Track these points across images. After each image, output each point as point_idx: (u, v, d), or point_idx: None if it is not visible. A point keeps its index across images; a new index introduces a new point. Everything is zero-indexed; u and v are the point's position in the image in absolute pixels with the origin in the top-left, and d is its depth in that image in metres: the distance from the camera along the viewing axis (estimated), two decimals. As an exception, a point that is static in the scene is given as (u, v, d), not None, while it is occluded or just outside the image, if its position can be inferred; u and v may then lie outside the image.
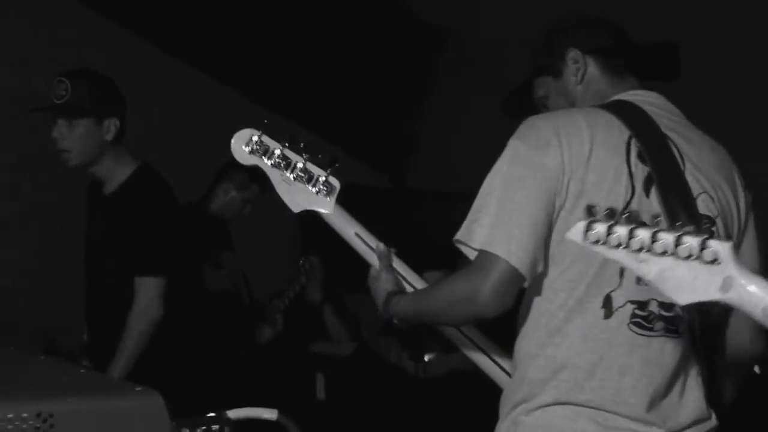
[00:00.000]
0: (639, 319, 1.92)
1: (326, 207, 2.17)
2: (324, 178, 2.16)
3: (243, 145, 2.17)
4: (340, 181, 2.16)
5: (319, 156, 2.19)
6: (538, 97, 2.24)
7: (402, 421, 4.01)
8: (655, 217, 1.16)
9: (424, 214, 6.77)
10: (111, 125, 3.32)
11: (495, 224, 1.91)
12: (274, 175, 2.17)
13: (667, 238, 1.14)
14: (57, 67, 3.46)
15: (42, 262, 5.32)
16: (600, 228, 1.16)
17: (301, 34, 6.08)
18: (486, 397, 2.17)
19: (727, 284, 1.15)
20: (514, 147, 1.97)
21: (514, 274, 1.89)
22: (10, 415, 1.19)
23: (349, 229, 2.19)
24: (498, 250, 1.89)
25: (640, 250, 1.15)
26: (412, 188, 7.05)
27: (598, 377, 1.92)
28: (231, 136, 3.58)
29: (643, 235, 1.15)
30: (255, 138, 2.16)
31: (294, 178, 2.15)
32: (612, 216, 1.17)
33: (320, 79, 6.32)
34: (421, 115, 6.68)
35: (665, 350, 1.94)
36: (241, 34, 6.04)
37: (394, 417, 4.01)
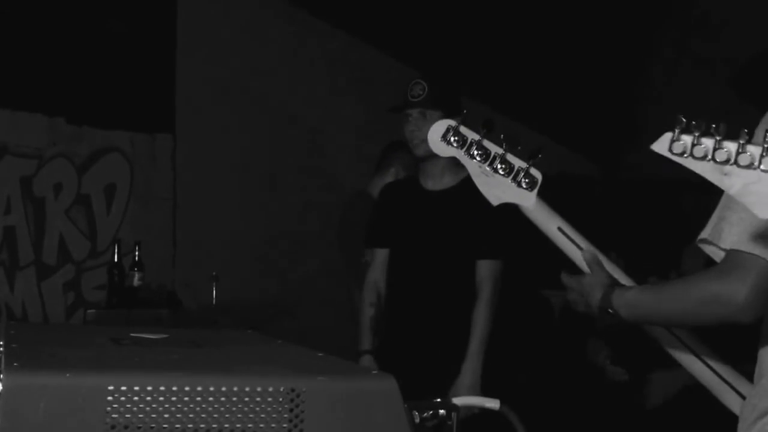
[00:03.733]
0: None
1: (527, 200, 2.07)
2: (525, 170, 2.05)
3: (440, 137, 2.08)
4: (543, 173, 2.07)
5: (519, 147, 2.09)
6: None
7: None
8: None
9: (641, 205, 6.55)
10: None
11: (748, 221, 1.78)
12: (473, 167, 2.08)
13: (753, 150, 1.12)
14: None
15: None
16: (687, 139, 1.15)
17: (505, 13, 5.95)
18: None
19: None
20: None
21: None
22: (270, 389, 1.33)
23: (552, 224, 2.08)
24: (756, 249, 1.77)
25: (725, 162, 1.13)
26: (627, 178, 6.81)
27: None
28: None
29: (729, 146, 1.13)
30: (452, 128, 2.07)
31: (493, 170, 2.06)
32: (700, 127, 1.15)
33: (526, 61, 6.17)
34: (639, 98, 6.40)
35: None
36: (442, 20, 6.00)
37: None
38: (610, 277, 2.04)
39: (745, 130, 1.14)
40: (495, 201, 2.08)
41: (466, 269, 3.61)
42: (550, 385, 4.31)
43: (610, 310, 1.97)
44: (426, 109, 3.54)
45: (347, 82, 6.45)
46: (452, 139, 2.06)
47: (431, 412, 1.70)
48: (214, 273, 4.15)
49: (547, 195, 2.08)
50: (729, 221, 1.82)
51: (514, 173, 2.05)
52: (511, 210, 2.11)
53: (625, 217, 6.44)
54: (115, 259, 5.06)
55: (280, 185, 6.32)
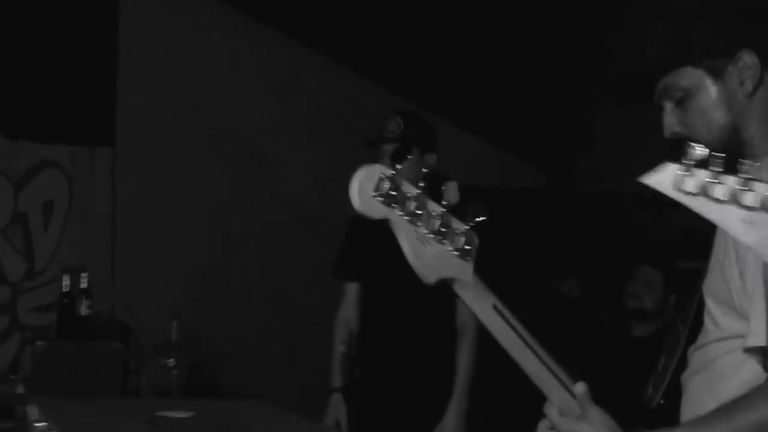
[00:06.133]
0: None
1: (466, 273, 1.61)
2: (466, 235, 1.60)
3: (371, 189, 1.53)
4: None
5: (458, 203, 1.63)
6: (676, 87, 1.83)
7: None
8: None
9: (595, 218, 6.41)
10: (431, 160, 3.61)
11: None
12: (409, 232, 1.56)
13: (788, 195, 0.92)
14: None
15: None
16: (701, 175, 0.95)
17: (447, 13, 5.70)
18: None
19: None
20: None
21: None
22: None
23: (487, 301, 1.65)
24: None
25: (751, 207, 0.93)
26: (580, 190, 6.59)
27: None
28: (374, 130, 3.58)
29: (760, 188, 0.93)
30: (387, 179, 1.53)
31: (433, 235, 1.57)
32: (719, 161, 0.95)
33: (469, 62, 5.91)
34: (591, 103, 6.15)
35: None
36: (380, 21, 5.80)
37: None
38: (608, 417, 1.68)
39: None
40: (431, 278, 1.59)
41: (443, 305, 3.49)
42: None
43: None
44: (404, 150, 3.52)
45: (298, 94, 6.22)
46: (386, 193, 1.52)
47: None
48: (175, 309, 4.03)
49: (491, 210, 1.62)
50: None
51: (453, 238, 1.59)
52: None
53: (575, 232, 6.30)
54: (66, 288, 4.85)
55: (227, 203, 6.07)
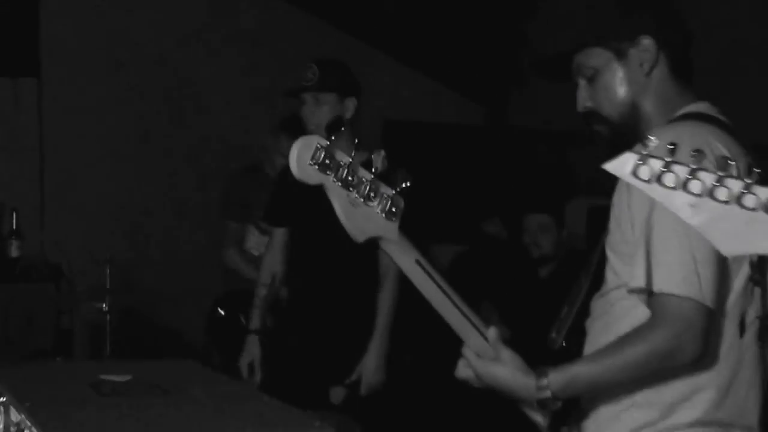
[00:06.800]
0: (763, 333, 1.90)
1: (392, 233, 1.82)
2: (392, 198, 1.80)
3: (308, 159, 1.73)
4: (405, 201, 1.81)
5: (387, 170, 1.81)
6: (587, 66, 2.03)
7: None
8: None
9: (526, 154, 6.48)
10: (350, 104, 3.63)
11: (680, 264, 1.80)
12: (341, 197, 1.76)
13: (733, 185, 1.01)
14: None
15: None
16: (655, 164, 1.03)
17: None
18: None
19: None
20: None
21: (711, 314, 1.82)
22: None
23: (410, 257, 1.86)
24: (691, 293, 1.79)
25: (699, 194, 1.01)
26: (514, 125, 6.66)
27: (732, 395, 1.93)
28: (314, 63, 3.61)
29: (705, 178, 1.02)
30: (322, 149, 1.73)
31: (363, 198, 1.77)
32: (673, 152, 1.03)
33: None
34: (525, 40, 6.18)
35: (766, 358, 1.96)
36: None
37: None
38: (521, 361, 1.91)
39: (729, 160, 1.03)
40: (360, 237, 1.79)
41: (366, 252, 3.57)
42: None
43: (550, 397, 1.87)
44: (318, 92, 3.60)
45: (232, 26, 6.14)
46: (322, 161, 1.73)
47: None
48: (108, 255, 4.00)
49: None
50: (661, 265, 1.81)
51: (381, 202, 1.78)
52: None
53: (511, 167, 6.39)
54: None
55: (153, 138, 5.98)
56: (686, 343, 1.79)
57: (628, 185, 1.76)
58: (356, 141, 1.84)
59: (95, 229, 5.68)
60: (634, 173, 1.05)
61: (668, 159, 1.01)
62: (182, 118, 6.01)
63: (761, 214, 1.00)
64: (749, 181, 1.01)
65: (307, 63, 3.68)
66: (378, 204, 1.78)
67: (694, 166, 1.01)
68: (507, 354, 1.90)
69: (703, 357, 1.84)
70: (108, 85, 5.86)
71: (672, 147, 1.03)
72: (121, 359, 3.09)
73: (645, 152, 1.03)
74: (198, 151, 5.98)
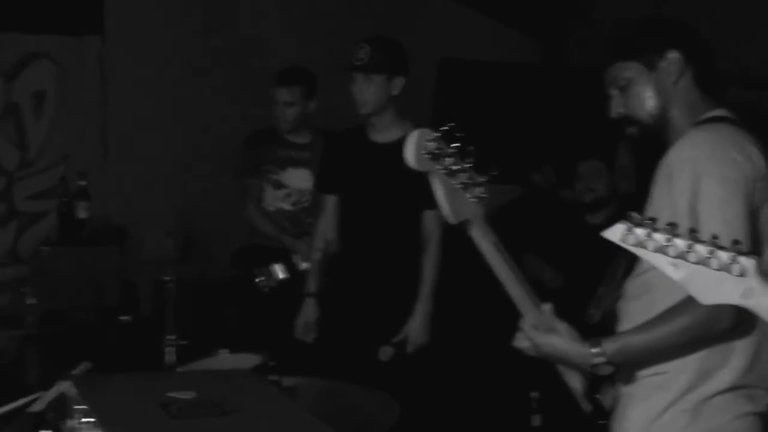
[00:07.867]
0: None
1: (478, 217, 2.10)
2: (481, 185, 2.08)
3: (422, 149, 2.00)
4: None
5: (479, 161, 2.07)
6: (621, 77, 2.32)
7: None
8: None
9: (587, 94, 6.27)
10: (399, 82, 3.83)
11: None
12: (445, 183, 2.03)
13: (701, 250, 1.25)
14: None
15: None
16: (640, 233, 1.28)
17: None
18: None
19: (748, 294, 1.30)
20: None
21: None
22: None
23: (489, 240, 2.12)
24: None
25: (676, 257, 1.26)
26: (573, 65, 6.43)
27: (760, 361, 2.19)
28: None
29: (678, 244, 1.26)
30: (431, 140, 2.00)
31: (462, 185, 2.05)
32: (653, 223, 1.28)
33: None
34: None
35: None
36: None
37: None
38: (572, 329, 2.16)
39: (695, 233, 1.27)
40: (454, 219, 2.05)
41: (412, 219, 3.79)
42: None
43: (604, 363, 2.12)
44: (368, 73, 3.80)
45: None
46: (433, 153, 2.00)
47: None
48: (171, 229, 4.22)
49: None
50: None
51: (473, 189, 2.06)
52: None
53: (568, 109, 6.10)
54: (66, 196, 5.00)
55: (218, 89, 6.10)
56: (723, 314, 2.03)
57: (670, 174, 2.08)
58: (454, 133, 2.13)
59: (156, 183, 5.89)
60: (623, 240, 1.30)
61: (649, 229, 1.26)
62: (240, 72, 6.13)
63: (724, 274, 1.25)
64: (711, 248, 1.26)
65: (360, 42, 3.85)
66: (470, 191, 2.06)
67: (669, 235, 1.26)
68: (562, 326, 2.16)
69: (737, 327, 2.08)
70: (174, 43, 6.03)
71: (650, 221, 1.28)
72: (185, 367, 3.20)
73: (631, 223, 1.29)
74: (267, 111, 6.17)
